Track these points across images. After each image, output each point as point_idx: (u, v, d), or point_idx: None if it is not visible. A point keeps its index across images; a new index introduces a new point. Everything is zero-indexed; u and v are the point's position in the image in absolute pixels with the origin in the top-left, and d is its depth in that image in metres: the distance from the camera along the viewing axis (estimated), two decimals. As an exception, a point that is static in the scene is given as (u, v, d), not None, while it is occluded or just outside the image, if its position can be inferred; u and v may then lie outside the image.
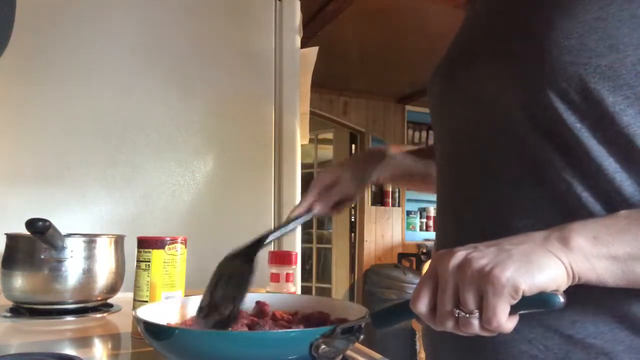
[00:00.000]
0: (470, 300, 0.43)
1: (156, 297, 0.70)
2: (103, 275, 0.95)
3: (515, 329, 0.44)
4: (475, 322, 0.43)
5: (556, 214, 0.52)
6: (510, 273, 0.42)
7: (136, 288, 0.72)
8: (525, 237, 0.45)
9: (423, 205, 5.01)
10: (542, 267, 0.42)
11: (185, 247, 0.74)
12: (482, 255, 0.44)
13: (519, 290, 0.42)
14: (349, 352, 0.58)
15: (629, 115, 0.49)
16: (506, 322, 0.43)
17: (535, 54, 0.53)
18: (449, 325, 0.45)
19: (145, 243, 0.72)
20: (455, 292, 0.44)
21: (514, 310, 0.44)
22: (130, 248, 1.04)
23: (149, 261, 0.71)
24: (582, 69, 0.50)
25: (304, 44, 1.65)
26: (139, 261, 0.72)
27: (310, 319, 0.60)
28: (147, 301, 0.70)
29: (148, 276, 0.71)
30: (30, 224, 0.82)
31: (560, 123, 0.52)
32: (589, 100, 0.50)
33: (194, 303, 0.67)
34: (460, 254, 0.45)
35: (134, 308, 0.71)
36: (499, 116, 0.57)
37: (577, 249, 0.43)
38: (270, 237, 0.70)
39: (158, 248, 0.71)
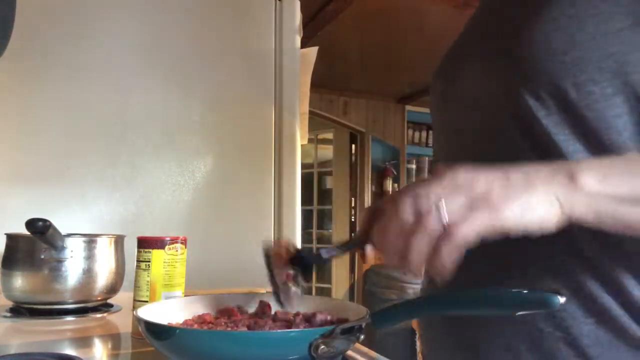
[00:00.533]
0: (456, 203, 0.41)
1: (156, 297, 0.70)
2: (103, 275, 0.95)
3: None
4: (435, 223, 0.41)
5: None
6: (504, 204, 0.41)
7: (136, 288, 0.72)
8: (531, 170, 0.44)
9: (423, 205, 5.00)
10: (535, 206, 0.42)
11: (185, 247, 0.74)
12: (484, 181, 0.43)
13: (504, 226, 0.41)
14: (349, 352, 0.58)
15: (594, 110, 0.49)
16: (462, 245, 0.40)
17: (515, 52, 0.54)
18: (406, 212, 0.41)
19: (145, 243, 0.72)
20: (441, 193, 0.42)
21: (514, 311, 0.44)
22: (130, 248, 1.04)
23: (149, 261, 0.71)
24: (549, 66, 0.50)
25: (304, 44, 1.65)
26: (139, 261, 0.72)
27: (311, 319, 0.60)
28: (147, 301, 0.70)
29: (148, 276, 0.71)
30: (30, 224, 0.82)
31: (535, 121, 0.52)
32: (556, 97, 0.50)
33: (195, 303, 0.67)
34: (463, 175, 0.43)
35: (134, 308, 0.71)
36: (498, 116, 0.57)
37: (583, 186, 0.42)
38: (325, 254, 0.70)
39: (158, 248, 0.71)
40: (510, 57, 0.54)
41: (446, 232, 0.41)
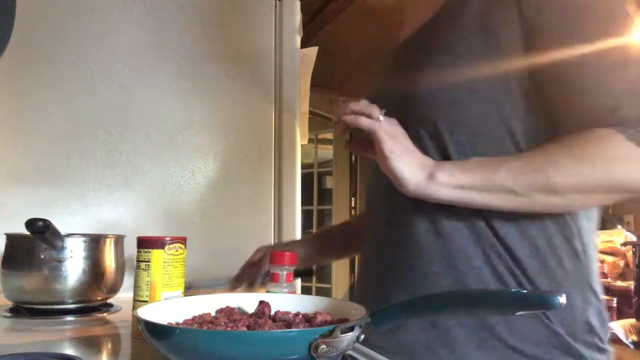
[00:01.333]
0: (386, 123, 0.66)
1: (156, 297, 0.70)
2: (103, 275, 0.95)
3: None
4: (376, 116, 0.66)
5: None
6: (400, 150, 0.65)
7: (136, 288, 0.72)
8: (416, 153, 0.67)
9: (423, 205, 5.00)
10: (406, 166, 0.65)
11: (185, 247, 0.74)
12: (402, 134, 0.67)
13: (389, 160, 0.65)
14: (349, 352, 0.58)
15: (452, 134, 0.69)
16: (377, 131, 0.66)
17: (410, 95, 0.73)
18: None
19: (145, 243, 0.72)
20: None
21: (514, 311, 0.44)
22: (130, 248, 1.04)
23: (149, 261, 0.71)
24: (433, 105, 0.70)
25: (304, 44, 1.65)
26: (138, 261, 0.72)
27: (311, 319, 0.60)
28: (147, 301, 0.70)
29: (148, 276, 0.71)
30: (30, 224, 0.82)
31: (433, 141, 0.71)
32: (427, 128, 0.70)
33: (195, 303, 0.67)
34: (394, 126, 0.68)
35: (134, 308, 0.71)
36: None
37: (436, 180, 0.64)
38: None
39: (158, 248, 0.71)
40: (408, 98, 0.73)
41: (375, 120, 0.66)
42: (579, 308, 0.67)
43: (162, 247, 0.71)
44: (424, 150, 0.69)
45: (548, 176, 0.61)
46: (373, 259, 0.82)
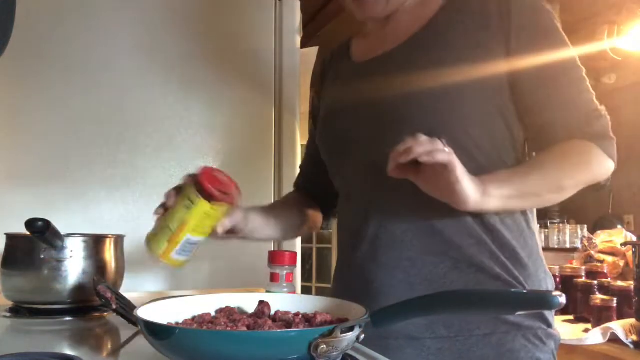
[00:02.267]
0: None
1: (179, 238, 0.72)
2: (103, 275, 0.95)
3: None
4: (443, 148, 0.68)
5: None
6: (464, 175, 0.68)
7: (165, 218, 0.74)
8: (467, 173, 0.70)
9: (423, 205, 5.00)
10: (468, 187, 0.68)
11: (232, 206, 0.76)
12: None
13: (458, 182, 0.67)
14: (349, 352, 0.58)
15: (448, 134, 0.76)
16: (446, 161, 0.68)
17: (398, 112, 0.82)
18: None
19: (201, 186, 0.73)
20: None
21: (514, 311, 0.44)
22: (131, 248, 1.04)
23: (192, 204, 0.72)
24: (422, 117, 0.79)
25: (304, 44, 1.65)
26: (185, 198, 0.73)
27: (311, 319, 0.60)
28: (162, 239, 0.73)
29: (186, 214, 0.72)
30: (30, 224, 0.82)
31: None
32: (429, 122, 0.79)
33: (195, 303, 0.67)
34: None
35: (147, 239, 0.75)
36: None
37: (489, 193, 0.71)
38: None
39: (206, 199, 0.72)
40: (403, 104, 0.81)
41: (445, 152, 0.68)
42: (542, 279, 0.81)
43: (209, 200, 0.73)
44: None
45: (560, 179, 0.76)
46: (364, 258, 0.84)
